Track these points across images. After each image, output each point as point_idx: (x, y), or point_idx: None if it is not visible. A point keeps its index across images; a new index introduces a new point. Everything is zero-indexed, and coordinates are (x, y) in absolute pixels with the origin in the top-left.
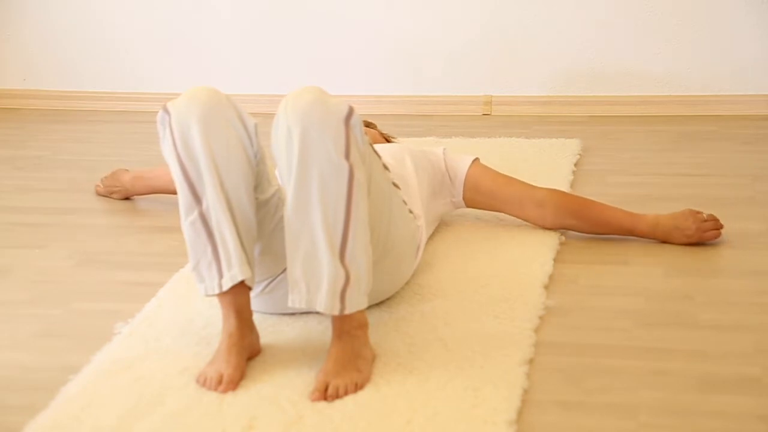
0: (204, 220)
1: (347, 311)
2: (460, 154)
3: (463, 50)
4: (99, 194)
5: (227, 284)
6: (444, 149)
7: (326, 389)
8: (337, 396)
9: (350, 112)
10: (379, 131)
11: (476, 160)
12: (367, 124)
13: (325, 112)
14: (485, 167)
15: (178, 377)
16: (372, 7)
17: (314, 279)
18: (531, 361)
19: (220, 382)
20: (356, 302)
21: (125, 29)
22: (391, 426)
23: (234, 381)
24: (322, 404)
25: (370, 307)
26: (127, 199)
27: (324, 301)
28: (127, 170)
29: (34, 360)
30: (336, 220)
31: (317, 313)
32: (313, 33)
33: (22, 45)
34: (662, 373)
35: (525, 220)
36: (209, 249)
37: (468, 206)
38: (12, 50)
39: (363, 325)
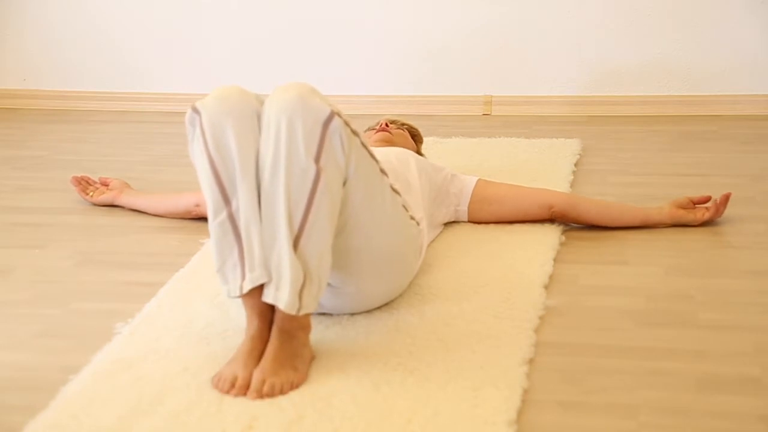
0: (233, 220)
1: (302, 312)
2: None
3: (463, 50)
4: (81, 182)
5: (248, 286)
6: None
7: (263, 387)
8: (272, 394)
9: (331, 116)
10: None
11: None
12: (409, 129)
13: (303, 112)
14: None
15: (178, 377)
16: (372, 7)
17: (276, 273)
18: (531, 361)
19: (233, 385)
20: (309, 304)
21: (125, 29)
22: (391, 426)
23: (246, 386)
24: (322, 404)
25: (371, 310)
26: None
27: (286, 298)
28: (130, 191)
29: (34, 360)
30: (294, 220)
31: (319, 313)
32: (314, 33)
33: (22, 45)
34: (662, 373)
35: (534, 205)
36: (236, 250)
37: (470, 217)
38: (12, 50)
39: (305, 327)
